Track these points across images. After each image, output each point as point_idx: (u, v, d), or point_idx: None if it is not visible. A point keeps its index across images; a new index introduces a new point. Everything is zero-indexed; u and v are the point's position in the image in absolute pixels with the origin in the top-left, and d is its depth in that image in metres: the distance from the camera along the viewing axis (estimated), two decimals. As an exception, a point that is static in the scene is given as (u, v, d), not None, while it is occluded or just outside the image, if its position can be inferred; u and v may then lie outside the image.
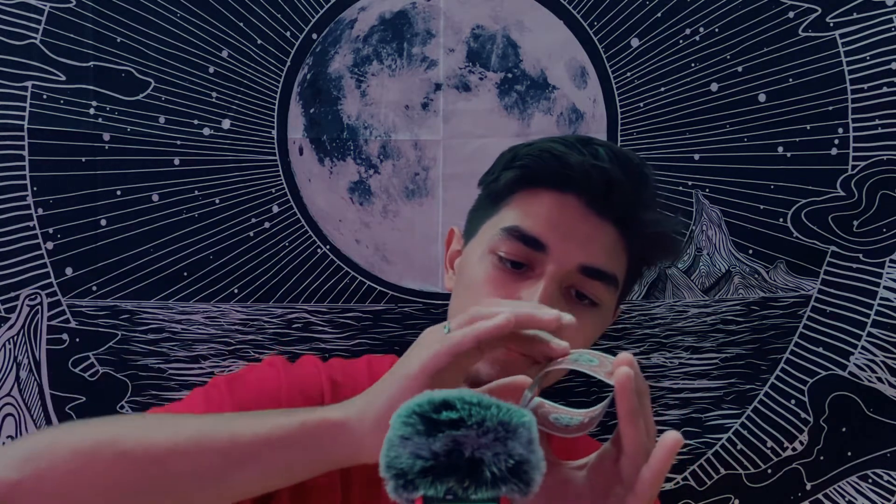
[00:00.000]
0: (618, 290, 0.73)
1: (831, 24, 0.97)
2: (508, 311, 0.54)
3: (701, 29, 0.97)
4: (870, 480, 1.00)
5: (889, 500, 0.99)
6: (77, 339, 0.93)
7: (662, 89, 0.97)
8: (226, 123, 0.94)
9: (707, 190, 0.98)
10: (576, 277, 0.70)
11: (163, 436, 0.57)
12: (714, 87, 0.97)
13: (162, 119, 0.93)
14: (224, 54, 0.94)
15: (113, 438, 0.57)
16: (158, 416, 0.63)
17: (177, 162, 0.93)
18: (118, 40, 0.92)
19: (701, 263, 0.99)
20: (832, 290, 0.99)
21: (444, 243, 0.85)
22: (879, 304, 0.98)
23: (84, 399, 0.93)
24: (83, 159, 0.92)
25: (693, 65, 0.97)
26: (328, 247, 0.96)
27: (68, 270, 0.92)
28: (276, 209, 0.95)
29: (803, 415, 0.98)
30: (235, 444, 0.56)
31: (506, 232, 0.71)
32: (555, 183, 0.71)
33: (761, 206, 0.98)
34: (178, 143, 0.93)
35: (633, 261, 0.75)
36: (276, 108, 0.95)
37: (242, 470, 0.56)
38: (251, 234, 0.95)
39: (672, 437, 0.50)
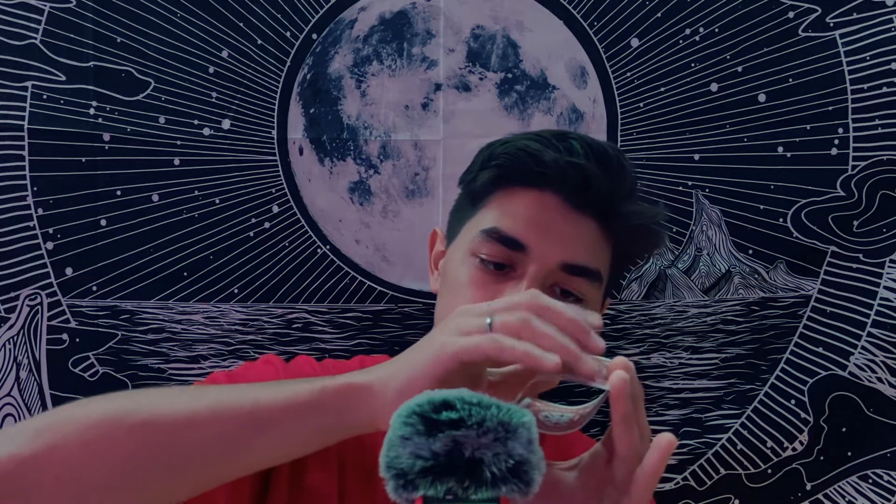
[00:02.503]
0: (602, 284, 0.73)
1: (831, 24, 0.97)
2: (558, 357, 0.50)
3: (701, 29, 0.97)
4: (870, 480, 1.00)
5: (889, 500, 0.99)
6: (77, 339, 0.93)
7: (662, 89, 0.97)
8: (226, 123, 0.94)
9: (707, 190, 0.98)
10: (558, 275, 0.69)
11: (181, 405, 0.56)
12: (714, 87, 0.97)
13: (162, 119, 0.93)
14: (224, 54, 0.94)
15: (128, 410, 0.56)
16: (176, 388, 0.61)
17: (177, 162, 0.93)
18: (118, 40, 0.92)
19: (701, 263, 0.99)
20: (832, 291, 0.99)
21: (428, 245, 0.84)
22: (879, 304, 0.98)
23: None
24: (83, 159, 0.92)
25: (693, 65, 0.97)
26: (328, 247, 0.96)
27: (68, 270, 0.92)
28: (276, 209, 0.95)
29: (803, 415, 0.98)
30: (257, 410, 0.55)
31: (485, 234, 0.70)
32: (532, 181, 0.71)
33: (761, 206, 0.98)
34: (178, 143, 0.93)
35: (616, 254, 0.74)
36: (276, 108, 0.95)
37: (263, 436, 0.55)
38: (251, 234, 0.95)
39: (665, 439, 0.50)
